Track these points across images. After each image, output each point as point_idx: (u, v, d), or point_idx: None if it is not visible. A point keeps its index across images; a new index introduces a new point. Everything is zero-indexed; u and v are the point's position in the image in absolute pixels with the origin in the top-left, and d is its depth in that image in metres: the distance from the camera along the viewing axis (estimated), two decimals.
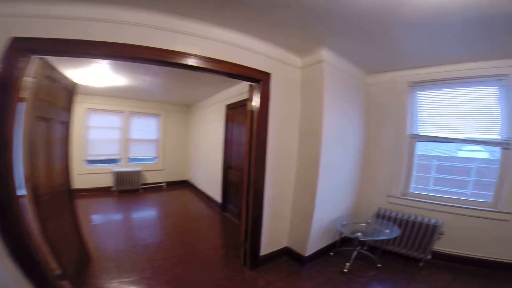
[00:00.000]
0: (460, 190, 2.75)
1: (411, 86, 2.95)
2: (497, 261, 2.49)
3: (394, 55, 2.56)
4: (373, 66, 2.96)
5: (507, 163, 2.45)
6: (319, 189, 2.56)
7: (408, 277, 2.46)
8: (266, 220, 2.65)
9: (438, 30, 1.95)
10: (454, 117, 2.73)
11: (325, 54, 2.51)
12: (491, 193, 2.56)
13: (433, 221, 2.66)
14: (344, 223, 2.88)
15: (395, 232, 2.63)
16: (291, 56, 2.70)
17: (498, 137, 2.49)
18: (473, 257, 2.58)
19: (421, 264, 2.66)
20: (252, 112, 2.55)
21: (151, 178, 6.22)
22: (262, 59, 2.48)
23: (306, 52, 2.61)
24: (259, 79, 2.48)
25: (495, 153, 2.55)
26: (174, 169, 6.67)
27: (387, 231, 2.68)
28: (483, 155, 2.77)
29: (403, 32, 2.02)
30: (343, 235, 2.90)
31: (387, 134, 3.10)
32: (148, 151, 6.34)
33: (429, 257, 2.67)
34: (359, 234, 2.66)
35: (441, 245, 2.71)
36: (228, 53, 2.24)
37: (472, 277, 2.42)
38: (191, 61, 2.06)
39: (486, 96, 2.57)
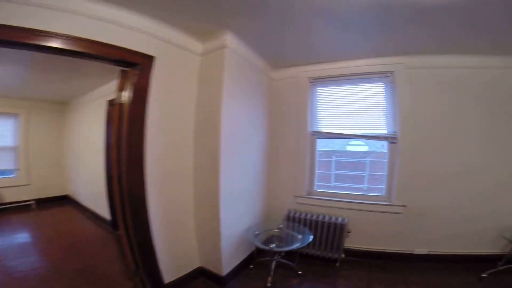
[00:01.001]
0: (357, 185, 2.84)
1: (312, 82, 2.88)
2: (401, 253, 2.64)
3: (300, 47, 2.41)
4: (278, 60, 2.75)
5: (394, 156, 2.62)
6: (222, 197, 2.13)
7: (330, 281, 2.39)
8: (159, 240, 2.04)
9: (342, 20, 1.85)
10: (349, 113, 2.79)
11: (230, 39, 2.11)
12: (384, 187, 2.70)
13: (339, 219, 2.63)
14: (257, 232, 2.56)
15: (308, 236, 2.46)
16: (189, 39, 2.19)
17: (385, 131, 2.65)
18: (380, 251, 2.68)
19: (337, 264, 2.61)
20: (121, 105, 1.85)
21: (10, 196, 4.58)
22: (146, 39, 1.89)
23: (208, 36, 2.17)
24: (136, 62, 1.82)
25: (384, 147, 2.71)
26: (45, 183, 5.12)
27: (300, 236, 2.51)
28: (371, 148, 2.96)
29: (308, 18, 1.84)
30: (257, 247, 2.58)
31: (291, 132, 2.96)
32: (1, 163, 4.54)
33: (343, 256, 2.65)
34: (273, 245, 2.39)
35: (351, 243, 2.72)
36: (99, 31, 1.66)
37: (383, 271, 2.48)
38: (55, 43, 1.50)
39: (375, 93, 2.70)
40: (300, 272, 2.48)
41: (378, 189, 2.74)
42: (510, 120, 2.46)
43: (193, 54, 2.27)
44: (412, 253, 2.64)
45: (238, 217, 2.45)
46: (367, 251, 2.71)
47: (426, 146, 2.55)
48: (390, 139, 2.63)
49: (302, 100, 2.89)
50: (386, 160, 2.67)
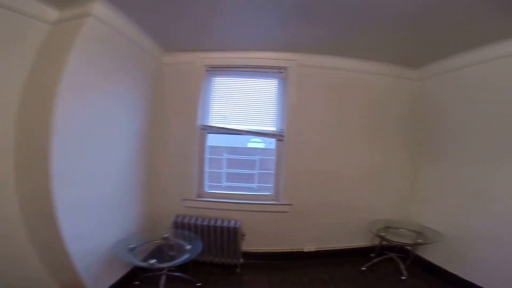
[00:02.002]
0: (249, 185, 2.72)
1: (208, 70, 2.60)
2: (293, 251, 2.65)
3: (200, 30, 2.13)
4: (173, 42, 2.39)
5: (280, 154, 2.59)
6: (60, 204, 1.60)
7: None
8: None
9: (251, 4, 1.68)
10: (243, 108, 2.63)
11: (99, 7, 1.67)
12: (272, 186, 2.65)
13: (232, 223, 2.43)
14: (132, 246, 2.11)
15: (198, 246, 2.15)
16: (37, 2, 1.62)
17: (274, 129, 2.61)
18: (276, 252, 2.63)
19: (238, 270, 2.43)
20: None
21: None
22: None
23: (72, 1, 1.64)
24: None
25: (272, 144, 2.66)
26: None
27: (189, 246, 2.20)
28: (263, 146, 2.92)
29: None
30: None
31: (179, 125, 2.60)
32: None
33: (242, 260, 2.48)
34: (153, 261, 1.99)
35: (249, 246, 2.58)
36: None
37: (281, 272, 2.43)
38: None
39: (269, 89, 2.63)
40: (199, 284, 2.22)
41: (268, 188, 2.67)
42: (378, 121, 2.75)
43: (39, 22, 1.68)
44: (303, 251, 2.69)
45: (100, 227, 1.96)
46: (264, 252, 2.62)
47: (310, 144, 2.60)
48: (278, 136, 2.59)
49: (195, 89, 2.57)
50: (274, 158, 2.62)
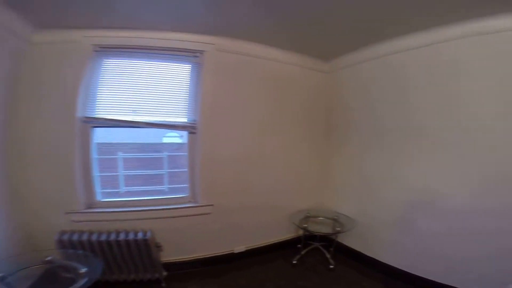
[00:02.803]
0: (157, 188, 2.34)
1: (98, 51, 2.08)
2: (223, 254, 2.46)
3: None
4: (50, 16, 1.83)
5: (194, 149, 2.29)
6: None
7: None
8: None
9: None
10: (145, 96, 2.18)
11: None
12: (187, 186, 2.34)
13: (140, 234, 2.02)
14: (1, 275, 1.56)
15: (97, 266, 1.73)
16: None
17: (185, 120, 2.27)
18: (205, 257, 2.39)
19: (163, 284, 2.09)
20: None
21: None
22: None
23: None
24: None
25: (184, 138, 2.35)
26: None
27: (84, 269, 1.74)
28: (180, 141, 2.55)
29: None
30: None
31: (54, 119, 2.01)
32: None
33: (165, 273, 2.14)
34: None
35: (171, 256, 2.24)
36: None
37: (215, 278, 2.23)
38: None
39: (181, 74, 2.27)
40: None
41: (182, 189, 2.34)
42: (294, 113, 2.74)
43: None
44: (233, 253, 2.50)
45: None
46: (193, 260, 2.34)
47: (226, 137, 2.38)
48: (190, 128, 2.26)
49: (77, 73, 2.02)
50: (186, 154, 2.30)
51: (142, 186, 2.28)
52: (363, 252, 2.46)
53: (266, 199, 2.59)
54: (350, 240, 2.58)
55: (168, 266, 2.22)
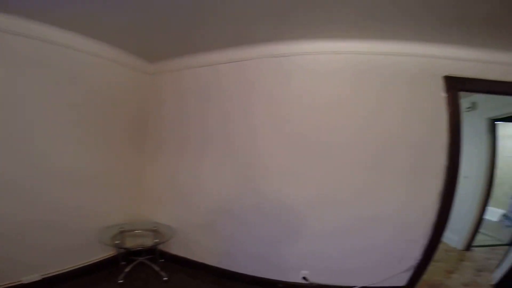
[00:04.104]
0: None
1: None
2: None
3: None
4: None
5: None
6: None
7: None
8: None
9: None
10: None
11: None
12: None
13: None
14: None
15: None
16: None
17: None
18: None
19: None
20: None
21: None
22: None
23: None
24: None
25: None
26: None
27: None
28: None
29: None
30: None
31: None
32: None
33: None
34: None
35: None
36: None
37: None
38: None
39: None
40: None
41: None
42: (107, 116, 2.39)
43: None
44: (22, 284, 1.84)
45: None
46: None
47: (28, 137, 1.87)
48: None
49: None
50: None
51: None
52: (190, 258, 2.46)
53: (68, 216, 2.11)
54: (175, 248, 2.52)
55: None
